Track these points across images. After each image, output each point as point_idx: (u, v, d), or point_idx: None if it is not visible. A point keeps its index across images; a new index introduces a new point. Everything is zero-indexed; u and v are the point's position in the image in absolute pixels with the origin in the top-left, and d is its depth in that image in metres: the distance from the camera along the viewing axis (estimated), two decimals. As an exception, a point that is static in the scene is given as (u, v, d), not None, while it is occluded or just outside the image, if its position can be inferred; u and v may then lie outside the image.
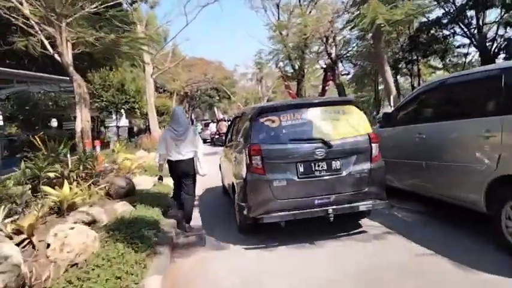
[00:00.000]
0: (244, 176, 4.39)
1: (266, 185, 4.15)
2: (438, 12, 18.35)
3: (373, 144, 4.41)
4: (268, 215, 4.14)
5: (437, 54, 18.70)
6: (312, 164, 4.25)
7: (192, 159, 5.11)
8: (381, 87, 41.62)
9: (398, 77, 28.76)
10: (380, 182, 4.43)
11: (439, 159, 4.49)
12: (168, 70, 34.06)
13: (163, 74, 34.04)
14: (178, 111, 5.23)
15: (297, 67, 22.03)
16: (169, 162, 5.17)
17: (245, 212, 4.31)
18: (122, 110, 18.05)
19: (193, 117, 58.24)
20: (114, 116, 22.46)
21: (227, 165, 6.01)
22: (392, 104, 13.67)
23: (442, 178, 4.47)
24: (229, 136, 6.79)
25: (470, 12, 17.51)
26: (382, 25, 13.02)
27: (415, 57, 20.22)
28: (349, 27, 16.42)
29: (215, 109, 57.05)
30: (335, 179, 4.25)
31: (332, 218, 4.14)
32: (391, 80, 15.29)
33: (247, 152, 4.35)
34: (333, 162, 4.28)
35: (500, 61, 15.87)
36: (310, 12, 18.49)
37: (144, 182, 7.39)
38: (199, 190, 6.58)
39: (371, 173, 4.33)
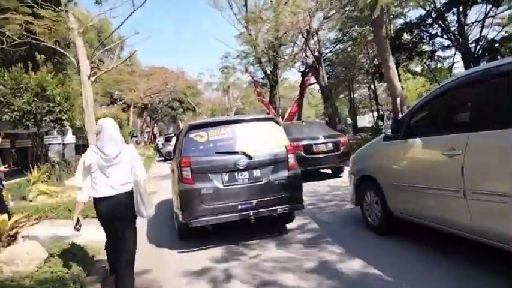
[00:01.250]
0: (177, 186, 4.89)
1: (195, 193, 4.65)
2: (420, 12, 17.52)
3: (289, 155, 5.04)
4: (197, 220, 4.63)
5: (424, 55, 17.60)
6: (236, 173, 4.79)
7: (131, 193, 3.51)
8: (356, 94, 41.03)
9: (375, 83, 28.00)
10: (296, 188, 5.02)
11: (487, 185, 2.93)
12: (123, 79, 31.76)
13: (119, 85, 31.61)
14: (107, 124, 3.57)
15: (268, 72, 20.29)
16: (95, 200, 3.49)
17: (180, 218, 4.80)
18: (67, 124, 14.96)
19: (155, 131, 55.31)
20: (55, 132, 19.70)
21: (171, 177, 6.40)
22: (400, 109, 11.73)
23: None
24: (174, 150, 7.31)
25: (452, 12, 16.78)
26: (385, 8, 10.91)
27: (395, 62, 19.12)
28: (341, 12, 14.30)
29: (179, 122, 54.56)
30: (256, 186, 4.81)
31: (253, 220, 4.74)
32: (396, 78, 12.75)
33: (178, 164, 4.86)
34: (254, 171, 4.85)
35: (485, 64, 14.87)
36: (285, 3, 16.22)
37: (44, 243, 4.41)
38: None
39: (288, 179, 4.92)
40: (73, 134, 23.58)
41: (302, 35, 17.21)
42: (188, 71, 77.44)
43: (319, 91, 20.99)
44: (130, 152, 3.56)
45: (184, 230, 5.08)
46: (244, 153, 4.84)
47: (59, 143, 20.30)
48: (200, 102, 44.99)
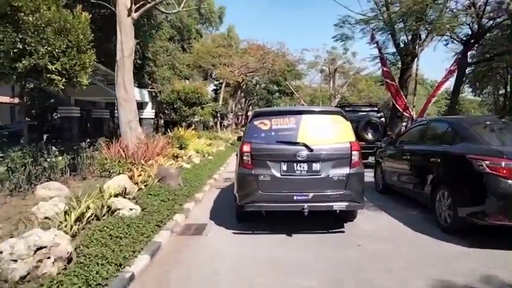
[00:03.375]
0: (237, 170, 5.39)
1: (253, 178, 5.01)
2: None
3: (353, 152, 5.08)
4: (252, 204, 5.06)
5: None
6: (294, 164, 5.02)
7: None
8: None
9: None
10: (356, 186, 5.08)
11: None
12: (218, 52, 28.76)
13: (212, 58, 28.64)
14: None
15: (402, 44, 14.42)
16: None
17: (237, 201, 5.27)
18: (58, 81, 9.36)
19: (249, 114, 52.52)
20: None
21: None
22: None
23: None
24: None
25: None
26: None
27: None
28: None
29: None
30: (314, 179, 5.00)
31: (306, 213, 4.96)
32: None
33: (240, 148, 5.31)
34: (313, 164, 5.03)
35: None
36: None
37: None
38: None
39: (349, 177, 5.00)
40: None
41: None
42: (290, 46, 72.17)
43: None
44: None
45: (241, 213, 5.49)
46: (305, 145, 5.00)
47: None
48: (300, 86, 40.22)
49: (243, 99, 48.82)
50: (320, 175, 4.92)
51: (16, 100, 25.21)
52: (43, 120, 21.43)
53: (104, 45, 13.85)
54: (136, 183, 6.75)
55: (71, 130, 17.65)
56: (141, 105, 21.93)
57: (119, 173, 7.29)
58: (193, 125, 18.73)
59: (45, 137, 10.77)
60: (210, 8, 36.06)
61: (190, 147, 13.21)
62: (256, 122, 5.20)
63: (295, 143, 4.96)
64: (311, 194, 4.86)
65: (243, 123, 45.40)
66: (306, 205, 4.84)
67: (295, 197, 4.87)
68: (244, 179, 5.02)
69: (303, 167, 4.94)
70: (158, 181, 7.07)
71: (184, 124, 18.56)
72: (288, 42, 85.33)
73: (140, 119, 23.28)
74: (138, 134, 9.83)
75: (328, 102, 37.47)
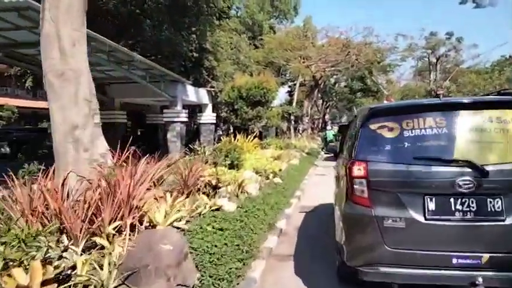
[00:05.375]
0: (342, 206, 3.57)
1: (373, 223, 3.15)
2: None
3: None
4: (373, 269, 3.15)
5: None
6: (452, 200, 3.08)
7: None
8: None
9: None
10: None
11: None
12: (291, 44, 24.48)
13: (284, 50, 24.49)
14: None
15: None
16: None
17: (343, 257, 3.49)
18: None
19: (326, 118, 47.08)
20: (178, 105, 13.69)
21: (336, 180, 4.93)
22: None
23: None
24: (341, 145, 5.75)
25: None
26: None
27: None
28: None
29: (354, 109, 44.74)
30: (492, 229, 3.01)
31: None
32: None
33: (347, 170, 3.42)
34: (489, 200, 3.03)
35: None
36: None
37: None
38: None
39: None
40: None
41: None
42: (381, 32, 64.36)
43: None
44: None
45: (346, 275, 3.56)
46: (471, 164, 3.03)
47: (181, 122, 13.80)
48: (390, 81, 33.90)
49: (320, 101, 43.83)
50: (503, 220, 2.94)
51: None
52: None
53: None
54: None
55: (116, 139, 14.69)
56: (199, 108, 18.56)
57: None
58: (258, 131, 14.62)
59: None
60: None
61: (248, 165, 9.01)
62: (373, 126, 3.29)
63: (452, 161, 3.04)
64: (487, 256, 2.92)
65: (319, 127, 40.40)
66: (478, 275, 2.85)
67: (455, 260, 2.96)
68: (357, 223, 3.21)
69: (469, 206, 2.99)
70: (123, 283, 2.86)
71: (255, 130, 14.60)
72: (376, 28, 75.44)
73: (198, 125, 19.97)
74: (96, 155, 4.95)
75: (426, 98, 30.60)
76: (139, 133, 21.36)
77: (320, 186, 9.99)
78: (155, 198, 4.39)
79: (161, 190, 4.83)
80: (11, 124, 28.31)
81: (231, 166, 8.30)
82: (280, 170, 10.12)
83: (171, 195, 4.67)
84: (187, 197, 5.27)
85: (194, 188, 5.62)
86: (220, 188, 6.10)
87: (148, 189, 4.28)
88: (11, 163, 9.62)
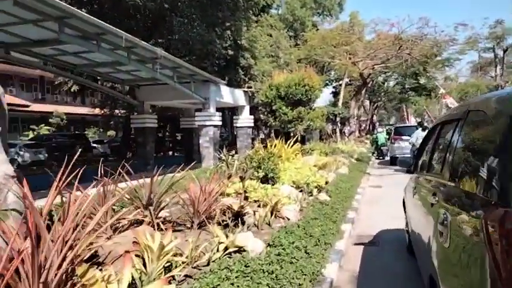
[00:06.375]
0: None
1: None
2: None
3: None
4: None
5: None
6: None
7: None
8: None
9: None
10: None
11: None
12: (336, 38, 22.40)
13: (328, 46, 22.48)
14: None
15: None
16: None
17: None
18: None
19: (374, 119, 43.92)
20: (211, 108, 12.54)
21: (418, 214, 3.36)
22: None
23: None
24: (425, 157, 4.02)
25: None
26: None
27: None
28: None
29: (404, 110, 41.15)
30: None
31: None
32: None
33: (495, 234, 1.50)
34: None
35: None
36: None
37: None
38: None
39: None
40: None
41: None
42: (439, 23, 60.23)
43: None
44: None
45: None
46: None
47: (214, 125, 12.42)
48: (449, 77, 30.50)
49: (367, 101, 40.88)
50: None
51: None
52: (127, 134, 18.55)
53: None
54: None
55: (145, 145, 13.80)
56: (236, 111, 17.12)
57: None
58: (299, 135, 12.82)
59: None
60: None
61: (286, 177, 7.29)
62: None
63: None
64: None
65: (369, 129, 37.54)
66: None
67: None
68: None
69: None
70: None
71: (297, 133, 12.87)
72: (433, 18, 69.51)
73: (235, 128, 18.54)
74: None
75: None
76: (179, 137, 20.41)
77: (378, 203, 8.01)
78: (134, 242, 2.85)
79: (148, 227, 3.28)
80: (61, 130, 28.90)
81: (265, 179, 6.65)
82: (326, 182, 8.27)
83: (163, 234, 3.10)
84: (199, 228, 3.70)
85: (208, 216, 4.03)
86: (245, 214, 4.44)
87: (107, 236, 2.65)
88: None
